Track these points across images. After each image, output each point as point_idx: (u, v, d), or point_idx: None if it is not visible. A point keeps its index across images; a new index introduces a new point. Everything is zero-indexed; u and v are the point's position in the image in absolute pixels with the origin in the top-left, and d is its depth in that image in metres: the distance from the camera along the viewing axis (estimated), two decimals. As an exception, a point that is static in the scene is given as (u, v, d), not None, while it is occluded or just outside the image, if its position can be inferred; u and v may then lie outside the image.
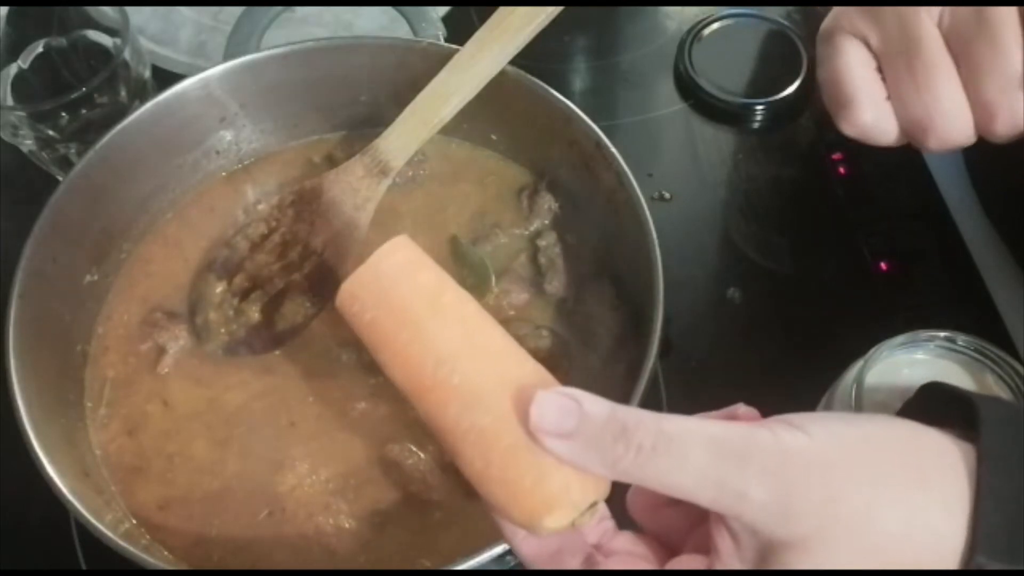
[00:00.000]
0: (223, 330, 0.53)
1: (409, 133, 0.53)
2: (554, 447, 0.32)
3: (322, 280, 0.53)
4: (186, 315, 0.54)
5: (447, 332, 0.37)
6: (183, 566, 0.47)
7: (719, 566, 0.32)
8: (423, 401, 0.36)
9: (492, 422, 0.34)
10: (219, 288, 0.54)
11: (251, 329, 0.53)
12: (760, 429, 0.32)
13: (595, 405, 0.32)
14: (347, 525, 0.48)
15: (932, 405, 0.36)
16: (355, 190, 0.54)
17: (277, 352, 0.53)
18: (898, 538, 0.30)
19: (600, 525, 0.36)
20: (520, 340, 0.52)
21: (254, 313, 0.53)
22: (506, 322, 0.53)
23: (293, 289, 0.53)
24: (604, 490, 0.34)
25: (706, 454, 0.31)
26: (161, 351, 0.53)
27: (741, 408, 0.36)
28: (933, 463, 0.32)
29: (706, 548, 0.33)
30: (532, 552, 0.35)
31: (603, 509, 0.36)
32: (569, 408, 0.32)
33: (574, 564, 0.35)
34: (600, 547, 0.36)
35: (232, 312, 0.53)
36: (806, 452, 0.31)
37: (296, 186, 0.56)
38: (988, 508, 0.30)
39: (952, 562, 0.30)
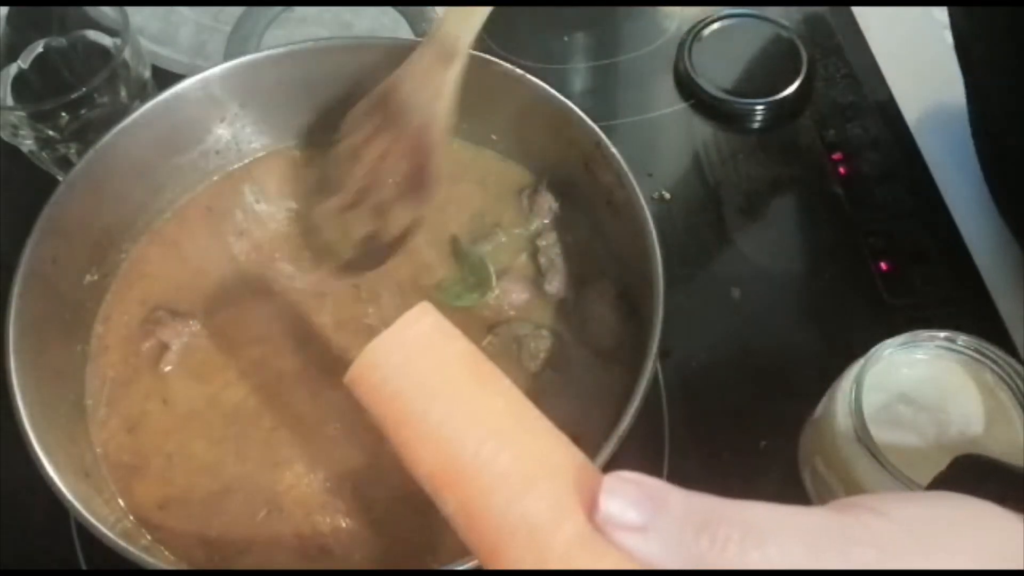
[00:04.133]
0: (338, 248, 0.53)
1: (467, 7, 0.49)
2: (626, 542, 0.28)
3: (416, 183, 0.51)
4: (187, 313, 0.54)
5: (489, 404, 0.32)
6: (183, 566, 0.47)
7: None
8: (458, 490, 0.31)
9: (548, 510, 0.30)
10: (329, 207, 0.53)
11: (361, 244, 0.53)
12: (847, 517, 0.29)
13: (670, 493, 0.29)
14: (344, 524, 0.48)
15: (966, 476, 0.34)
16: (426, 83, 0.51)
17: (270, 349, 0.53)
18: None
19: None
20: (520, 340, 0.53)
21: (362, 227, 0.52)
22: (506, 322, 0.54)
23: (392, 198, 0.52)
24: None
25: (802, 548, 0.28)
26: (164, 348, 0.53)
27: None
28: (1009, 546, 0.30)
29: None
30: None
31: None
32: (641, 497, 0.29)
33: None
34: None
35: (343, 229, 0.53)
36: (899, 542, 0.29)
37: (364, 101, 0.54)
38: None
39: None
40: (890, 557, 0.28)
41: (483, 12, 0.49)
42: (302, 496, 0.49)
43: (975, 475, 0.34)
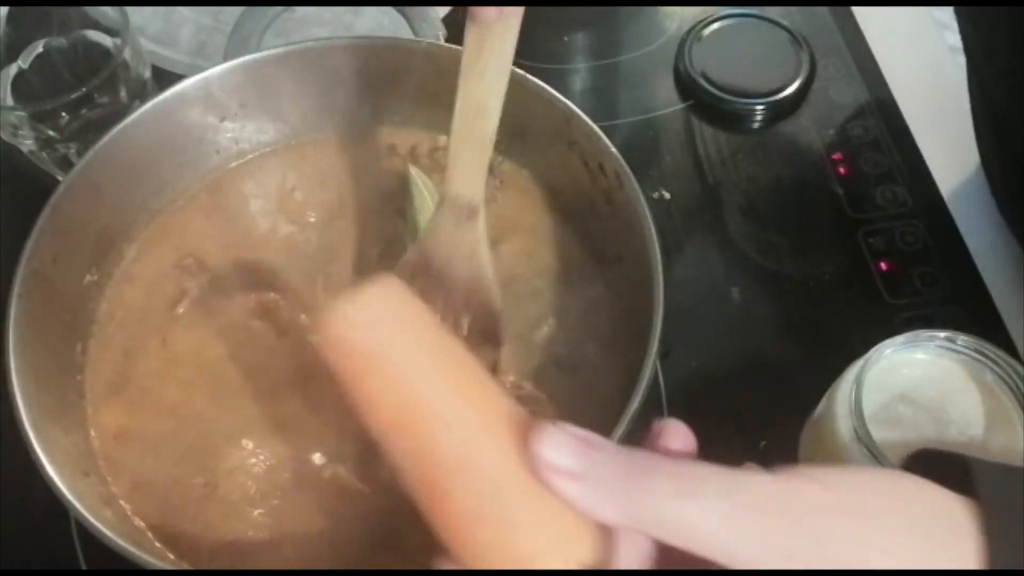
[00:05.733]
0: None
1: (469, 163, 0.48)
2: (561, 487, 0.30)
3: (487, 330, 0.51)
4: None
5: (449, 362, 0.35)
6: (165, 565, 0.46)
7: None
8: (411, 435, 0.33)
9: (492, 449, 0.32)
10: None
11: None
12: (782, 482, 0.30)
13: (609, 443, 0.30)
14: (272, 517, 0.48)
15: (918, 465, 0.35)
16: (457, 244, 0.50)
17: (264, 348, 0.53)
18: None
19: None
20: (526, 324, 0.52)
21: None
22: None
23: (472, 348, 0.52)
24: (598, 553, 0.32)
25: (731, 498, 0.29)
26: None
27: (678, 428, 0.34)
28: (947, 522, 0.30)
29: None
30: None
31: None
32: (578, 445, 0.30)
33: None
34: None
35: None
36: (829, 503, 0.30)
37: (398, 267, 0.53)
38: (1003, 554, 0.29)
39: None
40: (821, 520, 0.29)
41: (482, 162, 0.48)
42: (239, 483, 0.49)
43: (926, 463, 0.35)
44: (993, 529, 0.30)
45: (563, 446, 0.30)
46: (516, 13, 0.44)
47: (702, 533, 0.29)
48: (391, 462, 0.34)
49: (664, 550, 0.33)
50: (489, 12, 0.42)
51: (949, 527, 0.30)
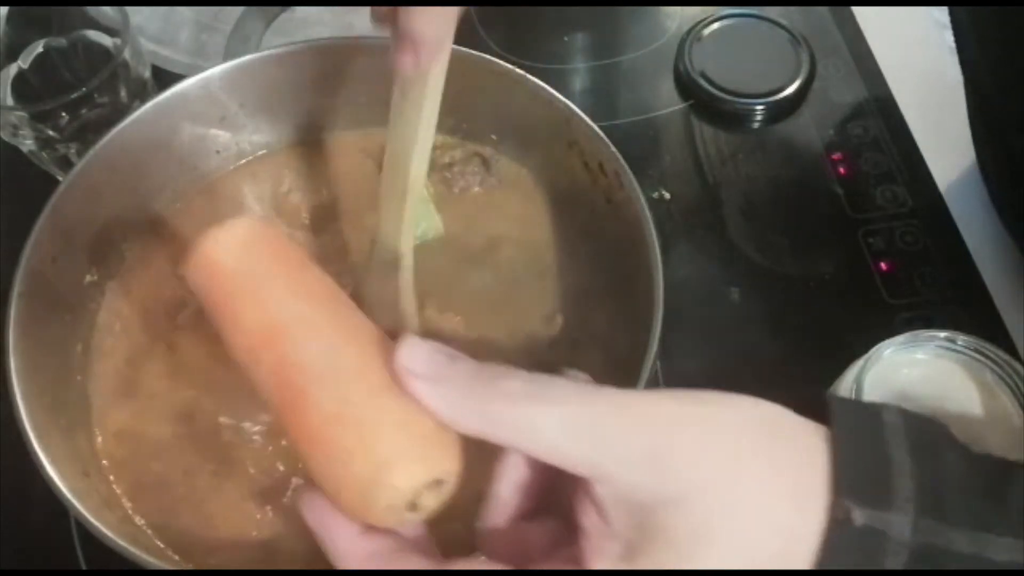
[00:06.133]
0: None
1: (389, 212, 0.49)
2: (421, 390, 0.32)
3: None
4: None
5: (312, 285, 0.38)
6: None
7: (588, 549, 0.31)
8: (277, 346, 0.35)
9: (356, 359, 0.34)
10: None
11: None
12: (629, 395, 0.32)
13: (466, 357, 0.32)
14: (274, 516, 0.48)
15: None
16: (383, 290, 0.51)
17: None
18: (768, 496, 0.31)
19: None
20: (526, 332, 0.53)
21: None
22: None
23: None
24: (455, 467, 0.33)
25: (581, 404, 0.30)
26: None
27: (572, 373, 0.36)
28: (800, 442, 0.32)
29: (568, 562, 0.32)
30: (355, 549, 0.33)
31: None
32: (438, 354, 0.32)
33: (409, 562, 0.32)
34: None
35: None
36: (679, 413, 0.31)
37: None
38: (849, 458, 0.31)
39: (815, 522, 0.30)
40: (669, 429, 0.31)
41: (403, 215, 0.49)
42: (243, 483, 0.49)
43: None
44: (837, 443, 0.32)
45: (423, 352, 0.32)
46: (438, 65, 0.44)
47: (547, 438, 0.30)
48: (255, 381, 0.36)
49: (539, 478, 0.34)
50: (406, 66, 0.43)
51: (802, 446, 0.32)
